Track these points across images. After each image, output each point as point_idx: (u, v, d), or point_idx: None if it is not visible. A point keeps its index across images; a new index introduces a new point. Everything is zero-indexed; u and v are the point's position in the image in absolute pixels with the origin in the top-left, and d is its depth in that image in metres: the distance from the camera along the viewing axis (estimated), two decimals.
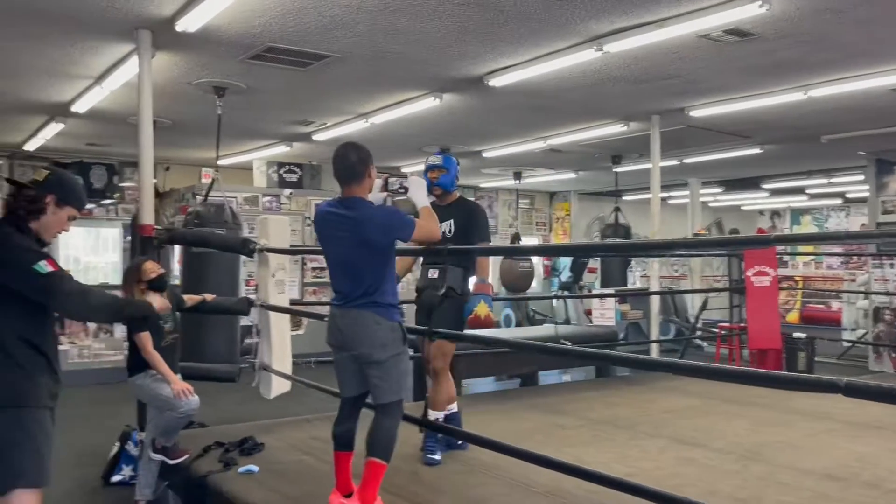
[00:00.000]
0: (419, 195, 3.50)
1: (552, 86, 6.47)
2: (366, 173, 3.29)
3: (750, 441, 4.65)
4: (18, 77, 6.30)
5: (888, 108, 7.18)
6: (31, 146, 9.37)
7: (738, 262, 8.68)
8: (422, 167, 4.45)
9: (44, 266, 2.56)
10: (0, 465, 2.57)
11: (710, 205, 16.09)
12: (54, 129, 8.17)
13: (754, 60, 5.71)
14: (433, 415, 4.17)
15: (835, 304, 14.97)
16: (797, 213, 17.10)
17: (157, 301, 3.48)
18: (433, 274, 4.16)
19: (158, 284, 4.20)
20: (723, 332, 9.01)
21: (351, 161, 3.27)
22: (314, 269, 10.57)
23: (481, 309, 3.96)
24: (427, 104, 6.97)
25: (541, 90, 6.62)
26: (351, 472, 3.38)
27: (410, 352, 3.74)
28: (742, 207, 17.26)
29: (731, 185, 13.58)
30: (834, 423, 5.17)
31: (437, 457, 4.14)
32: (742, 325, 8.15)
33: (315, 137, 8.88)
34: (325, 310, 3.62)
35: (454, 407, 4.32)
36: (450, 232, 4.19)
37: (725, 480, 3.86)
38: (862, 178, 10.77)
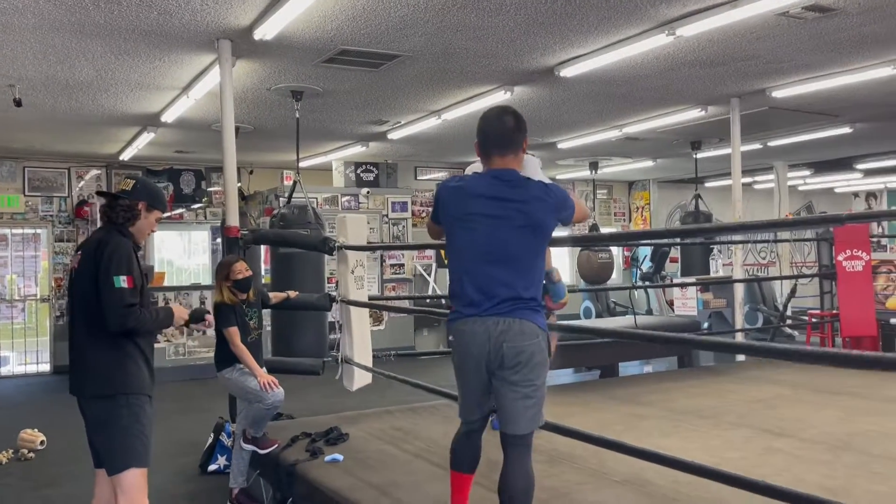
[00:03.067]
0: (540, 177, 2.85)
1: (625, 73, 6.39)
2: (523, 143, 2.72)
3: (841, 431, 4.49)
4: (113, 91, 6.70)
5: None
6: (126, 156, 9.93)
7: (828, 247, 8.33)
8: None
9: (121, 280, 2.85)
10: (116, 446, 2.87)
11: (800, 188, 15.45)
12: (146, 138, 8.63)
13: (838, 36, 5.48)
14: None
15: None
16: (895, 194, 16.19)
17: (179, 311, 3.26)
18: None
19: (244, 285, 4.42)
20: (814, 319, 8.66)
21: (508, 126, 2.69)
22: (392, 265, 10.77)
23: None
24: (498, 98, 6.99)
25: (613, 78, 6.54)
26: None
27: None
28: (835, 190, 16.47)
29: (821, 166, 12.98)
30: None
31: None
32: (834, 311, 7.83)
33: (390, 136, 9.04)
34: (403, 304, 3.70)
35: None
36: None
37: (814, 470, 3.74)
38: None
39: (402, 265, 10.92)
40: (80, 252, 3.07)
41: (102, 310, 2.86)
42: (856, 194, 16.74)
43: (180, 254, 12.32)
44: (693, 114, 8.04)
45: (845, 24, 5.19)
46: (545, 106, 7.66)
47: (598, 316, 11.83)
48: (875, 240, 16.38)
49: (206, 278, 11.11)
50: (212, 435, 5.39)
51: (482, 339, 2.61)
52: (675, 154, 11.03)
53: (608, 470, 3.75)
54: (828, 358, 3.53)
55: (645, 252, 12.81)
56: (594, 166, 12.10)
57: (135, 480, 2.88)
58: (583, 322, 9.88)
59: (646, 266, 12.68)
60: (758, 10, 4.74)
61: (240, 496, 4.51)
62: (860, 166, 12.74)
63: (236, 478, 4.55)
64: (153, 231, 3.17)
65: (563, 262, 13.76)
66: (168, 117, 7.56)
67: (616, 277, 13.26)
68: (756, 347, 3.07)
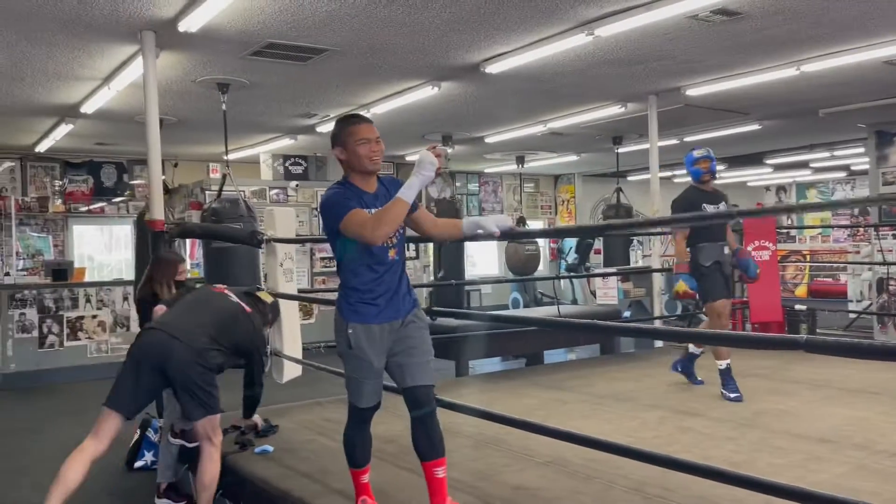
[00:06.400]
0: (411, 179, 2.71)
1: (548, 70, 6.59)
2: (336, 152, 2.92)
3: (748, 410, 4.79)
4: (29, 80, 6.49)
5: (884, 80, 7.24)
6: (41, 147, 9.58)
7: (739, 238, 8.76)
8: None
9: None
10: None
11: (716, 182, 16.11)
12: (64, 129, 8.36)
13: (744, 39, 5.80)
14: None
15: (843, 278, 15.04)
16: (803, 188, 17.12)
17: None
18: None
19: (182, 285, 4.42)
20: None
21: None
22: (322, 259, 10.75)
23: (679, 286, 5.12)
24: (426, 93, 7.10)
25: (537, 75, 6.73)
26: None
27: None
28: (748, 183, 17.29)
29: (735, 161, 13.61)
30: (831, 390, 5.30)
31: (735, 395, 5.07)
32: (744, 299, 8.27)
33: (319, 129, 9.03)
34: (332, 296, 3.80)
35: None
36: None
37: (721, 446, 4.00)
38: (863, 150, 10.80)
39: (332, 258, 10.90)
40: None
41: None
42: (767, 188, 17.62)
43: (101, 248, 11.94)
44: (614, 110, 8.34)
45: (750, 27, 5.51)
46: (472, 101, 7.81)
47: (527, 306, 12.12)
48: (785, 231, 17.35)
49: (129, 273, 10.80)
50: (138, 431, 5.32)
51: None
52: (598, 149, 11.39)
53: (531, 452, 3.92)
54: (729, 339, 3.80)
55: (570, 244, 13.18)
56: (521, 160, 12.37)
57: None
58: (511, 312, 10.11)
59: (571, 258, 13.04)
60: (669, 12, 5.00)
61: (168, 491, 4.48)
62: (770, 161, 13.43)
63: (164, 472, 4.51)
64: None
65: (492, 254, 14.03)
66: (88, 108, 7.36)
67: (543, 269, 13.60)
68: (662, 332, 3.28)
